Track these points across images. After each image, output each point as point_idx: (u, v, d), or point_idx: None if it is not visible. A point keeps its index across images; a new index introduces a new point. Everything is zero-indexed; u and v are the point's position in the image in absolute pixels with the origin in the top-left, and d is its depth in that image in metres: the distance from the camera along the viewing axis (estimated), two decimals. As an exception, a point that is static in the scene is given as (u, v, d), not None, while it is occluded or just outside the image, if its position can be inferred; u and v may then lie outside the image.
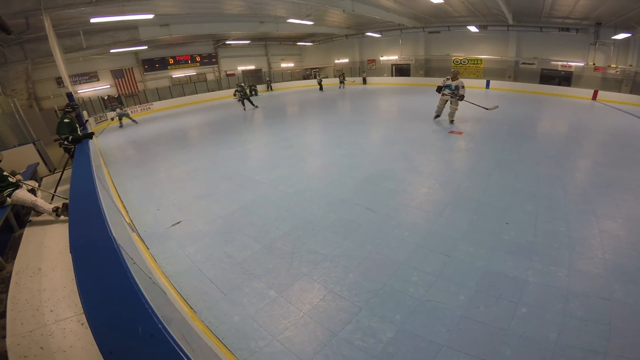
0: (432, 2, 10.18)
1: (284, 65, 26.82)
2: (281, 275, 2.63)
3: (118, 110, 13.33)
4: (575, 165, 5.25)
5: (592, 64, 16.40)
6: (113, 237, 1.60)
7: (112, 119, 13.71)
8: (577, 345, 1.89)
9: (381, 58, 22.92)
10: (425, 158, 5.52)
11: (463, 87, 7.83)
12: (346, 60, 25.04)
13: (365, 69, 23.60)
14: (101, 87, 17.59)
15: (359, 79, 22.66)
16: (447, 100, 7.93)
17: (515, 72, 18.56)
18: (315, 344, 1.97)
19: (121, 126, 12.79)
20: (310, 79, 26.24)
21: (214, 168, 5.72)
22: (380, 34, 20.36)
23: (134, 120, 13.44)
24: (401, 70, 22.70)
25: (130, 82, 18.70)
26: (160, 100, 18.98)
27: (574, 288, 2.34)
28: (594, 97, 15.78)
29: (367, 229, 3.27)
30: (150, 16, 10.67)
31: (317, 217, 3.57)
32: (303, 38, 24.15)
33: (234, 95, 18.40)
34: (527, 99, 14.34)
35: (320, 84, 20.12)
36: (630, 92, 15.46)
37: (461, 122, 8.08)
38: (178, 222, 3.72)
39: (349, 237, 3.12)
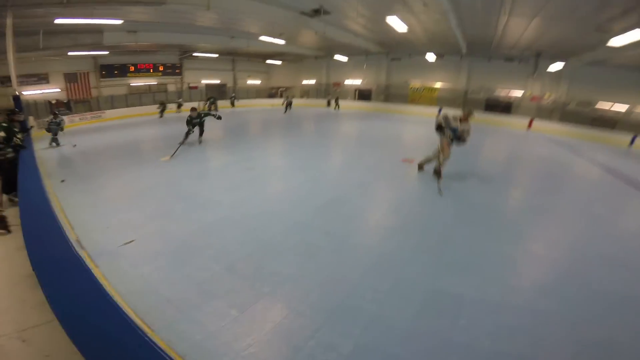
0: (397, 31, 11.00)
1: (250, 82, 26.81)
2: (243, 295, 2.66)
3: (53, 119, 9.57)
4: (509, 192, 6.00)
5: (530, 93, 18.43)
6: (77, 254, 1.60)
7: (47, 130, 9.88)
8: (509, 352, 2.17)
9: (346, 82, 23.86)
10: (380, 185, 5.92)
11: (469, 133, 5.84)
12: (313, 82, 25.67)
13: (331, 92, 24.25)
14: (50, 90, 16.36)
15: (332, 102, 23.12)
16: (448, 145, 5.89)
17: (464, 101, 20.09)
18: (281, 359, 2.05)
19: (56, 145, 9.47)
20: (276, 97, 26.35)
21: (170, 187, 5.52)
22: (347, 58, 21.26)
23: (55, 141, 9.65)
24: (363, 94, 23.66)
25: (84, 88, 17.58)
26: (113, 108, 17.90)
27: (505, 301, 2.68)
28: (530, 125, 17.78)
29: (326, 251, 3.42)
30: (120, 22, 10.34)
31: (278, 239, 3.65)
32: (273, 56, 24.50)
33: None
34: (473, 127, 15.94)
35: (289, 105, 18.94)
36: (560, 121, 17.65)
37: (413, 150, 8.73)
38: (130, 241, 3.57)
39: (309, 259, 3.25)
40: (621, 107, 16.49)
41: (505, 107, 19.36)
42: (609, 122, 17.00)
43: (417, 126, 14.88)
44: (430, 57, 17.58)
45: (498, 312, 2.54)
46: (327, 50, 21.41)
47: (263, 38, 14.62)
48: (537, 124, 17.41)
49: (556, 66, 15.34)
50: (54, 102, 15.95)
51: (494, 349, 2.18)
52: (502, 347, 2.20)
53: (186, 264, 3.15)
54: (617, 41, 8.08)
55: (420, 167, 6.58)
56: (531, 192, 6.12)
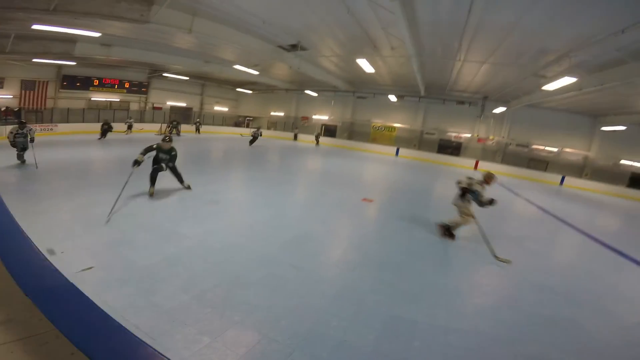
0: (365, 71, 12.05)
1: (217, 108, 26.68)
2: (214, 323, 2.72)
3: (19, 130, 8.25)
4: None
5: (477, 135, 20.22)
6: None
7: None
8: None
9: (314, 117, 24.70)
10: (342, 222, 6.30)
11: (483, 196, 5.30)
12: (282, 114, 26.19)
13: (298, 125, 24.80)
14: (2, 96, 15.18)
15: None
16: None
17: (420, 141, 21.59)
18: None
19: (21, 162, 8.31)
20: (243, 126, 26.35)
21: (130, 215, 5.28)
22: (317, 93, 22.18)
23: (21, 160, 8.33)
24: (329, 130, 24.45)
25: (40, 97, 16.49)
26: (68, 122, 16.89)
27: (452, 325, 3.05)
28: (476, 166, 19.56)
29: (293, 283, 3.59)
30: (97, 34, 10.25)
31: (246, 272, 3.73)
32: (244, 85, 24.84)
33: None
34: (427, 167, 17.27)
35: (255, 138, 16.86)
36: (502, 162, 19.73)
37: (372, 190, 9.56)
38: (90, 268, 3.45)
39: (278, 290, 3.39)
40: (553, 148, 19.01)
41: (455, 148, 21.07)
42: (542, 162, 19.49)
43: (376, 165, 15.92)
44: (392, 97, 19.02)
45: (446, 335, 2.90)
46: (299, 84, 22.26)
47: (238, 66, 14.93)
48: (483, 164, 19.23)
49: (500, 109, 17.37)
50: (3, 109, 14.73)
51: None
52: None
53: (153, 292, 3.13)
54: (550, 86, 9.68)
55: (450, 234, 5.60)
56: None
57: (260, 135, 17.42)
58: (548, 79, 9.52)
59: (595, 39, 7.25)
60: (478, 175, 5.71)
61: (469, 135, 20.60)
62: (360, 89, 21.23)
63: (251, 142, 16.76)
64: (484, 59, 10.62)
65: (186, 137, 18.67)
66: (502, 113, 18.20)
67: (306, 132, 23.93)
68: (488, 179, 5.45)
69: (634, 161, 17.38)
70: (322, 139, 22.92)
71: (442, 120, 20.86)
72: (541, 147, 19.24)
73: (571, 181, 18.02)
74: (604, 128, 17.02)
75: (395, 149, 21.13)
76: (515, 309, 3.54)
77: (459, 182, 5.56)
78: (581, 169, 18.71)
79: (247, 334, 2.64)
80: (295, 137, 23.47)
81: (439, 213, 7.53)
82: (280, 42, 11.92)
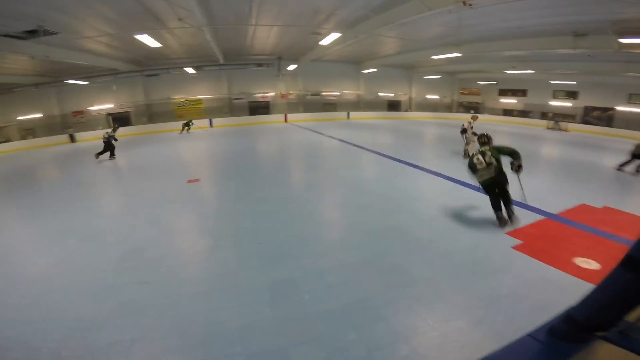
0: (150, 46, 10.31)
1: None
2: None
3: None
4: (288, 175, 7.84)
5: (279, 92, 22.53)
6: None
7: None
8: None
9: (91, 108, 19.66)
10: (175, 214, 5.64)
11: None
12: (40, 115, 19.03)
13: (71, 124, 19.23)
14: None
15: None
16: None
17: (231, 108, 21.76)
18: None
19: None
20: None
21: None
22: (89, 81, 17.50)
23: None
24: (120, 119, 19.92)
25: None
26: None
27: (321, 267, 3.74)
28: (285, 119, 22.33)
29: (150, 300, 3.23)
30: None
31: (90, 314, 3.04)
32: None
33: None
34: (243, 131, 17.85)
35: None
36: (304, 112, 23.04)
37: (194, 168, 9.19)
38: None
39: (141, 316, 2.99)
40: (336, 92, 23.84)
41: (264, 107, 22.71)
42: (332, 105, 24.14)
43: (192, 142, 14.59)
44: (190, 70, 17.78)
45: (324, 277, 3.49)
46: (54, 74, 16.82)
47: None
48: (291, 116, 22.22)
49: (292, 66, 19.64)
50: None
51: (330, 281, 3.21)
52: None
53: None
54: (324, 41, 11.58)
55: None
56: (303, 170, 8.47)
57: None
58: (322, 36, 11.34)
59: None
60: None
61: (273, 93, 22.47)
62: (150, 67, 18.42)
63: None
64: (273, 22, 11.23)
65: None
66: (295, 70, 20.60)
67: (85, 128, 19.12)
68: (473, 118, 10.31)
69: (386, 93, 25.58)
70: (120, 130, 18.73)
71: (247, 84, 21.59)
72: (329, 93, 23.65)
73: (354, 114, 23.80)
74: (364, 71, 22.83)
75: (207, 120, 20.54)
76: (357, 232, 4.59)
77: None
78: (357, 104, 24.72)
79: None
80: (72, 138, 18.50)
81: (270, 162, 8.21)
82: (8, 31, 8.64)
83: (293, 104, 23.21)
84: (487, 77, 24.26)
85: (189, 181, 7.54)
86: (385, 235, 4.50)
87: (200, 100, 21.10)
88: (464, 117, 24.50)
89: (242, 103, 21.98)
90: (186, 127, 18.43)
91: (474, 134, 8.73)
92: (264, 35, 14.07)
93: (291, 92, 22.74)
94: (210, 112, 21.21)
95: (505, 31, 10.92)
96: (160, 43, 10.51)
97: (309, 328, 2.74)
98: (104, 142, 11.13)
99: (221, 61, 17.46)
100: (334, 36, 10.82)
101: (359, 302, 3.06)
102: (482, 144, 4.98)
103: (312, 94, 23.38)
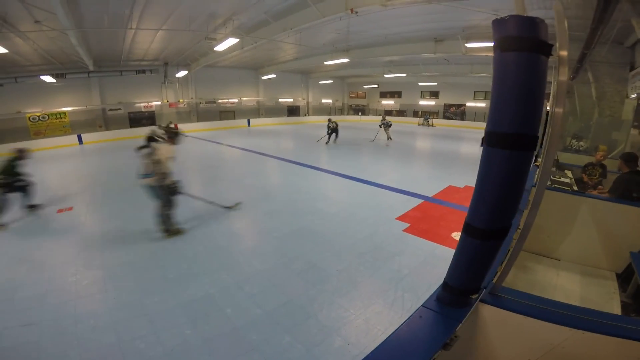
0: None
1: None
2: None
3: None
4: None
5: (166, 101, 20.33)
6: None
7: None
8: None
9: None
10: (46, 249, 4.56)
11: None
12: None
13: None
14: None
15: None
16: None
17: (105, 121, 18.66)
18: None
19: None
20: None
21: None
22: None
23: None
24: None
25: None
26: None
27: (237, 280, 3.65)
28: (175, 128, 20.20)
29: (43, 341, 2.75)
30: None
31: None
32: None
33: None
34: (125, 146, 14.50)
35: None
36: (199, 121, 21.52)
37: (64, 195, 7.27)
38: None
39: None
40: (234, 100, 23.00)
41: (149, 117, 20.07)
42: (230, 112, 23.22)
43: (55, 164, 11.27)
44: (48, 78, 14.40)
45: (242, 288, 3.42)
46: None
47: None
48: (183, 126, 20.11)
49: (182, 72, 18.06)
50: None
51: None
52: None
53: None
54: (220, 47, 11.06)
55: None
56: (202, 184, 7.83)
57: None
58: (218, 41, 10.74)
59: (250, 3, 8.74)
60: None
61: (159, 102, 20.19)
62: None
63: None
64: (158, 26, 10.18)
65: None
66: (185, 76, 19.05)
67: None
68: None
69: (286, 98, 25.87)
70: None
71: (125, 93, 18.77)
72: (226, 100, 22.62)
73: (254, 121, 23.43)
74: (263, 77, 22.63)
75: (75, 137, 16.86)
76: (269, 238, 4.66)
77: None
78: (258, 111, 24.48)
79: None
80: None
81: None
82: None
83: (185, 113, 21.38)
84: (370, 81, 27.32)
85: (60, 210, 6.23)
86: (295, 237, 4.69)
87: (64, 113, 17.28)
88: (354, 119, 27.46)
89: (119, 114, 18.95)
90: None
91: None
92: (147, 39, 12.68)
93: (181, 100, 20.89)
94: (79, 126, 17.54)
95: (383, 38, 12.33)
96: (5, 48, 8.39)
97: (241, 340, 2.70)
98: None
99: (91, 68, 14.80)
100: (231, 42, 10.48)
101: (284, 306, 3.14)
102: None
103: (207, 102, 21.98)
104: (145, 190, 4.61)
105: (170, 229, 4.72)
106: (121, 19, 9.19)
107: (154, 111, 20.22)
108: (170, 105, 20.47)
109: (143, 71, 17.85)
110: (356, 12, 7.50)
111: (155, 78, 18.84)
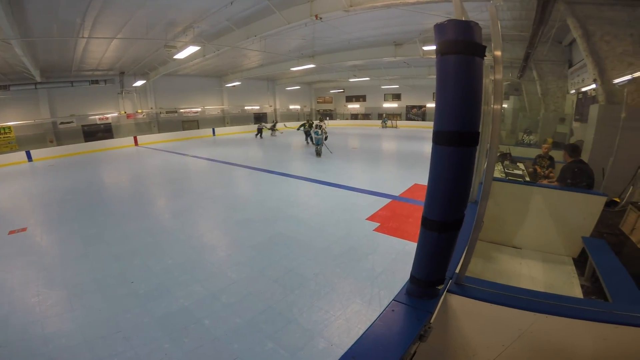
0: None
1: None
2: None
3: None
4: (150, 204, 6.94)
5: (123, 112, 19.21)
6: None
7: None
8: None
9: None
10: (2, 271, 4.25)
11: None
12: None
13: None
14: None
15: None
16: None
17: (57, 135, 17.35)
18: None
19: None
20: None
21: None
22: None
23: None
24: None
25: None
26: None
27: (215, 290, 3.56)
28: (136, 142, 19.24)
29: None
30: None
31: None
32: None
33: None
34: (80, 161, 14.28)
35: None
36: (160, 132, 20.62)
37: (16, 215, 6.73)
38: None
39: None
40: (197, 108, 22.29)
41: (106, 130, 18.98)
42: (194, 122, 22.49)
43: (10, 183, 10.37)
44: None
45: (219, 298, 3.35)
46: None
47: None
48: (143, 138, 19.31)
49: (140, 82, 17.30)
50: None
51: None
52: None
53: None
54: (180, 55, 10.78)
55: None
56: (169, 197, 7.59)
57: None
58: (178, 49, 10.42)
59: (211, 11, 8.56)
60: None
61: (116, 114, 19.12)
62: None
63: None
64: (113, 34, 9.67)
65: None
66: (143, 85, 18.23)
67: None
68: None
69: (252, 105, 25.80)
70: None
71: (78, 105, 17.52)
72: (188, 110, 21.88)
73: (220, 130, 22.76)
74: (227, 85, 22.13)
75: (24, 153, 15.53)
76: (243, 248, 4.58)
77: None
78: (223, 119, 23.89)
79: None
80: None
81: (121, 208, 6.79)
82: None
83: (145, 124, 20.39)
84: (337, 85, 27.81)
85: (11, 232, 5.72)
86: (270, 244, 4.66)
87: (9, 127, 15.81)
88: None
89: (72, 128, 17.68)
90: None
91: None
92: (100, 48, 12.03)
93: (140, 110, 19.91)
94: (26, 142, 16.12)
95: (347, 43, 12.58)
96: None
97: (223, 350, 2.66)
98: None
99: (38, 79, 13.80)
100: (191, 49, 10.20)
101: (263, 313, 3.11)
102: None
103: (168, 112, 21.14)
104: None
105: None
106: (72, 28, 8.70)
107: (110, 123, 19.09)
108: (128, 116, 19.45)
109: (97, 81, 16.78)
110: (320, 18, 7.61)
111: (111, 88, 17.85)
